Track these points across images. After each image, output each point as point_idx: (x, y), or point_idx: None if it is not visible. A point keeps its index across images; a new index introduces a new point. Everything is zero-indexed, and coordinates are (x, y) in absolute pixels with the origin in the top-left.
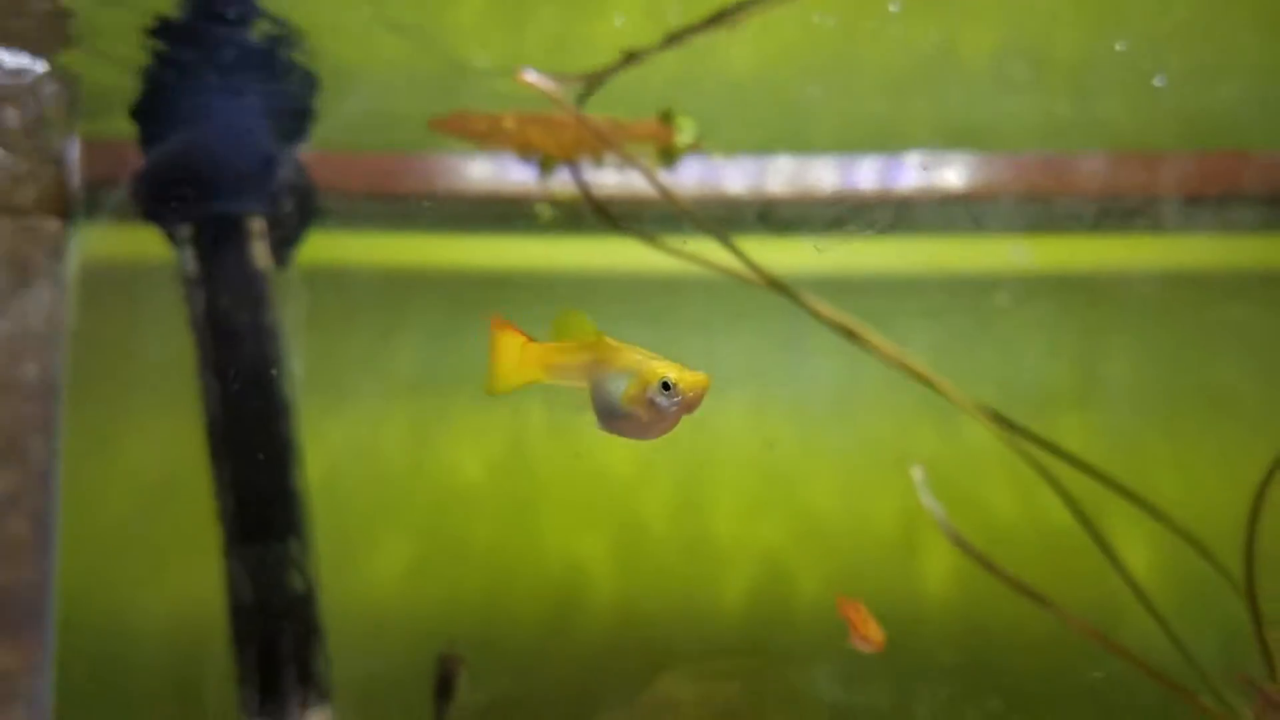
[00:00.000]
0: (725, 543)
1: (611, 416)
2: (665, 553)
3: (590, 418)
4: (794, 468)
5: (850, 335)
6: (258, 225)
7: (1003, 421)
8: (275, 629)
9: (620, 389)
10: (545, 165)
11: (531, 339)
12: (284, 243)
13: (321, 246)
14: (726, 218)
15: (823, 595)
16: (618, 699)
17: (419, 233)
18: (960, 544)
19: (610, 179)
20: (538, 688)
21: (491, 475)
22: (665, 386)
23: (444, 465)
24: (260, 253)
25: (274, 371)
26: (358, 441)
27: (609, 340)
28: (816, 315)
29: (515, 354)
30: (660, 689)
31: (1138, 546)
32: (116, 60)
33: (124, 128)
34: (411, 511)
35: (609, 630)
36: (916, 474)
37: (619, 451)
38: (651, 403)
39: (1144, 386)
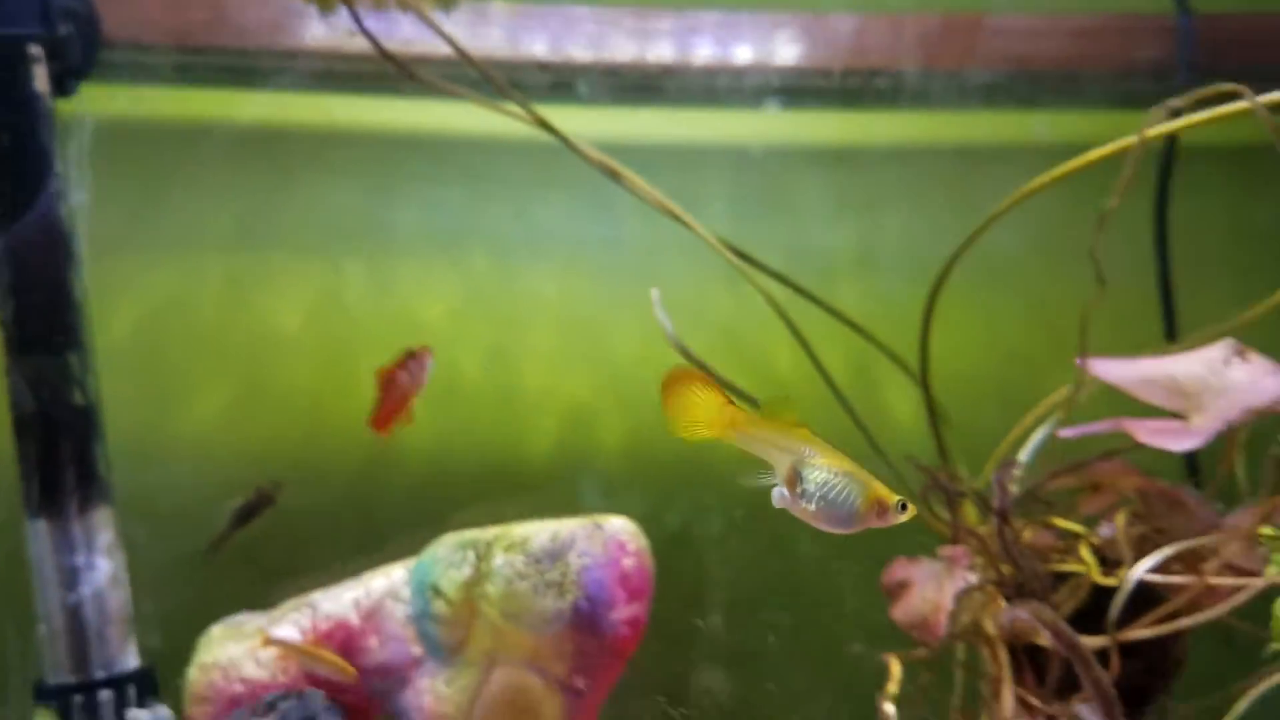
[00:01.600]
0: (533, 394)
1: (835, 518)
2: (477, 400)
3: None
4: (599, 325)
5: (612, 174)
6: (34, 49)
7: (755, 264)
8: (55, 436)
9: (835, 489)
10: (323, 6)
11: (730, 400)
12: (66, 74)
13: (128, 98)
14: (521, 78)
15: (623, 441)
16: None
17: (226, 87)
18: (690, 358)
19: (409, 32)
20: (345, 523)
21: (308, 325)
22: (902, 508)
23: (261, 316)
24: (39, 76)
25: (53, 189)
26: (175, 294)
27: (809, 433)
28: (577, 152)
29: (712, 411)
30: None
31: (903, 401)
32: None
33: None
34: (230, 359)
35: (420, 472)
36: (654, 294)
37: (434, 307)
38: (876, 514)
39: (917, 254)
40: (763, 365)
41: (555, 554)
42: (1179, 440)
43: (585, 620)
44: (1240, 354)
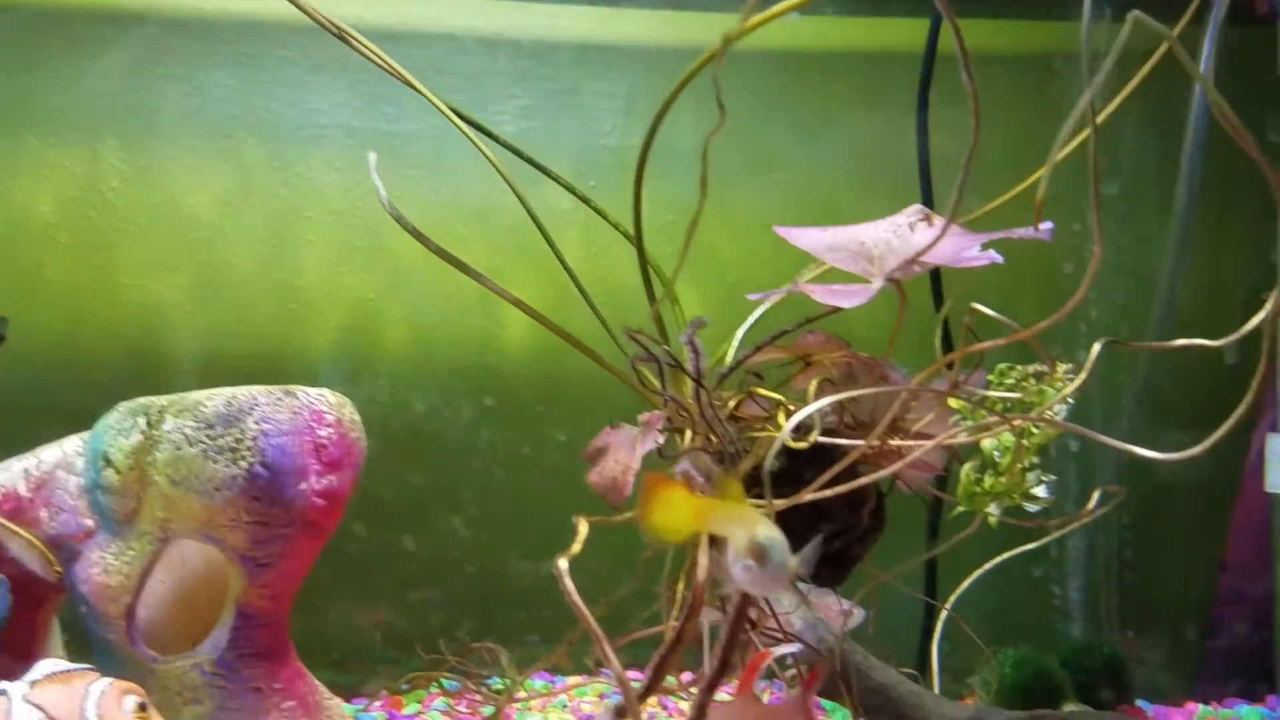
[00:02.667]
0: (313, 290)
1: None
2: (250, 296)
3: None
4: (383, 220)
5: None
6: None
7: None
8: None
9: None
10: None
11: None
12: None
13: None
14: None
15: (408, 340)
16: None
17: None
18: (408, 229)
19: None
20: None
21: (63, 215)
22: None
23: (12, 203)
24: None
25: None
26: None
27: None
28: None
29: (685, 511)
30: None
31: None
32: None
33: None
34: None
35: (188, 369)
36: (371, 157)
37: (201, 196)
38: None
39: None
40: (552, 266)
41: (230, 419)
42: (848, 298)
43: (265, 488)
44: (927, 219)
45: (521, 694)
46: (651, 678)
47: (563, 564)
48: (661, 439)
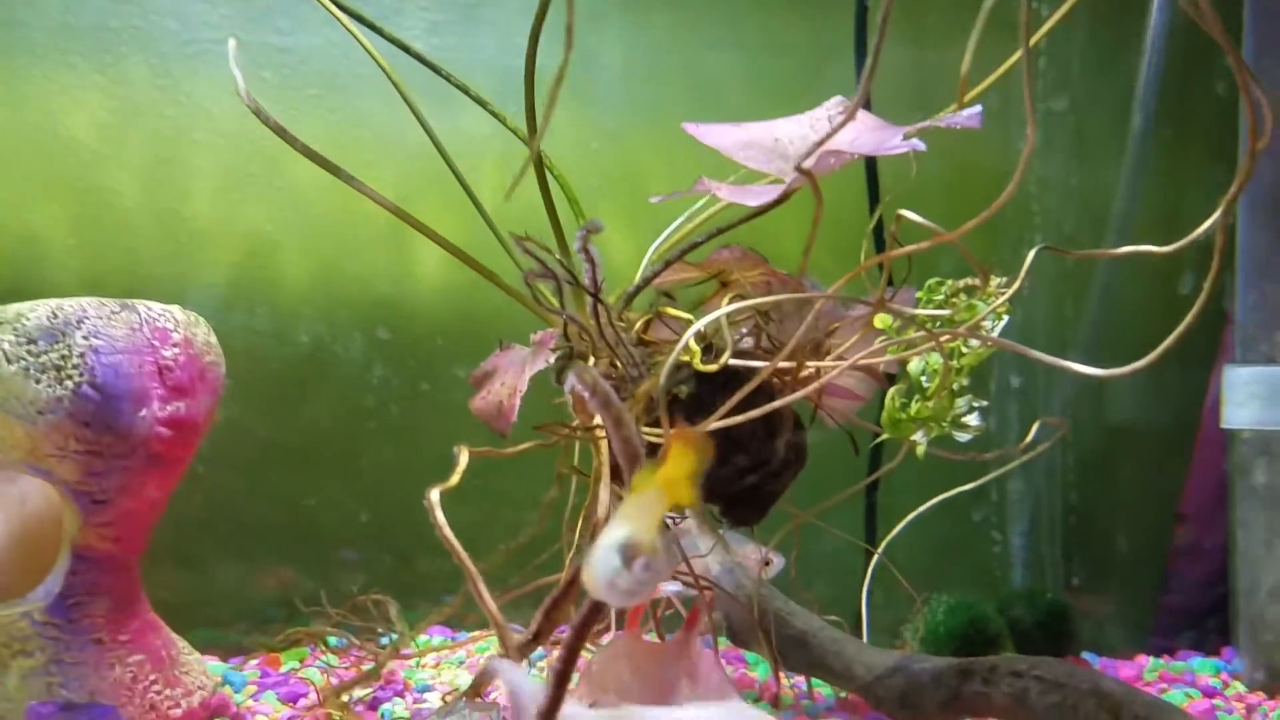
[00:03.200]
0: (203, 220)
1: None
2: (135, 227)
3: None
4: (279, 145)
5: None
6: None
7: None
8: None
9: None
10: None
11: None
12: None
13: None
14: None
15: (309, 276)
16: None
17: None
18: (295, 145)
19: None
20: None
21: None
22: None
23: None
24: None
25: None
26: None
27: None
28: None
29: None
30: None
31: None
32: None
33: None
34: None
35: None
36: (230, 44)
37: (78, 116)
38: None
39: (634, 77)
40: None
41: (54, 333)
42: (755, 196)
43: (96, 413)
44: (846, 111)
45: (413, 650)
46: (541, 622)
47: (434, 495)
48: (552, 360)
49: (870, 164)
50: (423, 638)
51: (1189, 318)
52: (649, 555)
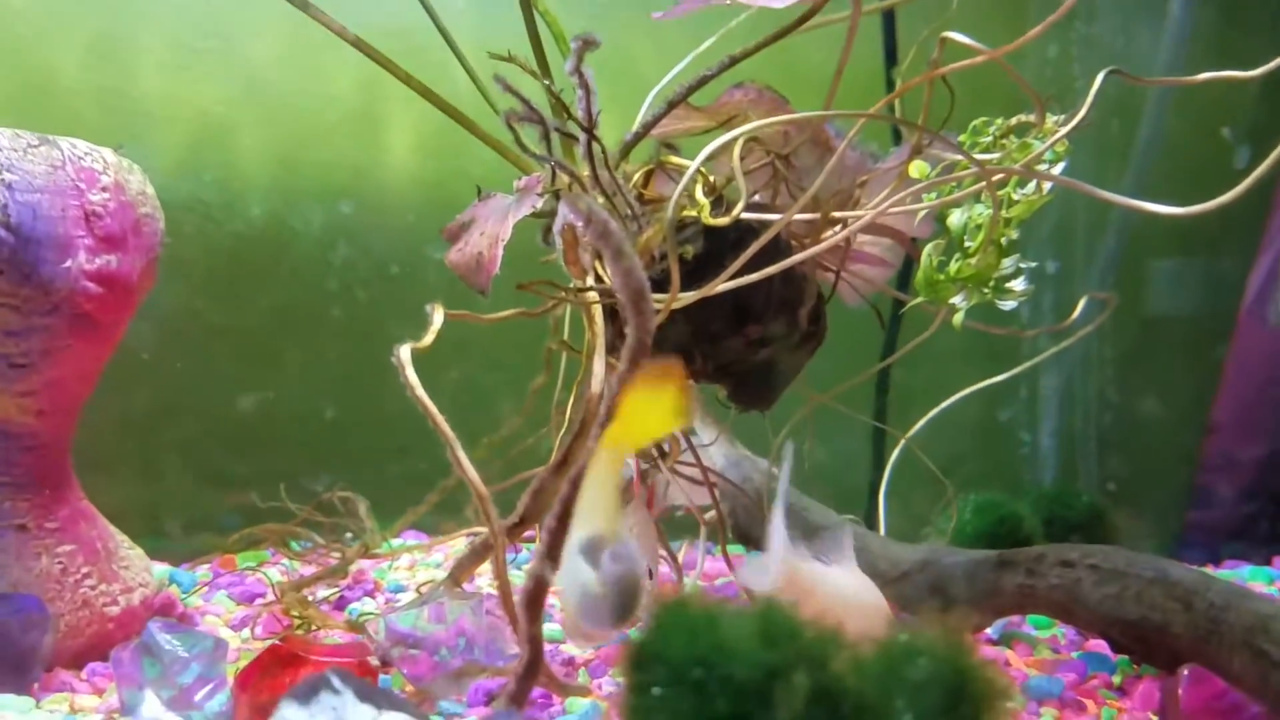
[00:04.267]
0: (151, 99)
1: None
2: (76, 106)
3: None
4: (232, 17)
5: None
6: None
7: None
8: None
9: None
10: None
11: None
12: None
13: None
14: None
15: (266, 163)
16: None
17: None
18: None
19: None
20: None
21: None
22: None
23: None
24: None
25: None
26: None
27: None
28: None
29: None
30: None
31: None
32: None
33: None
34: None
35: None
36: None
37: None
38: None
39: None
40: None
41: None
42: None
43: (11, 258)
44: None
45: (384, 552)
46: (529, 504)
47: (404, 353)
48: (540, 203)
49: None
50: (395, 541)
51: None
52: (614, 543)
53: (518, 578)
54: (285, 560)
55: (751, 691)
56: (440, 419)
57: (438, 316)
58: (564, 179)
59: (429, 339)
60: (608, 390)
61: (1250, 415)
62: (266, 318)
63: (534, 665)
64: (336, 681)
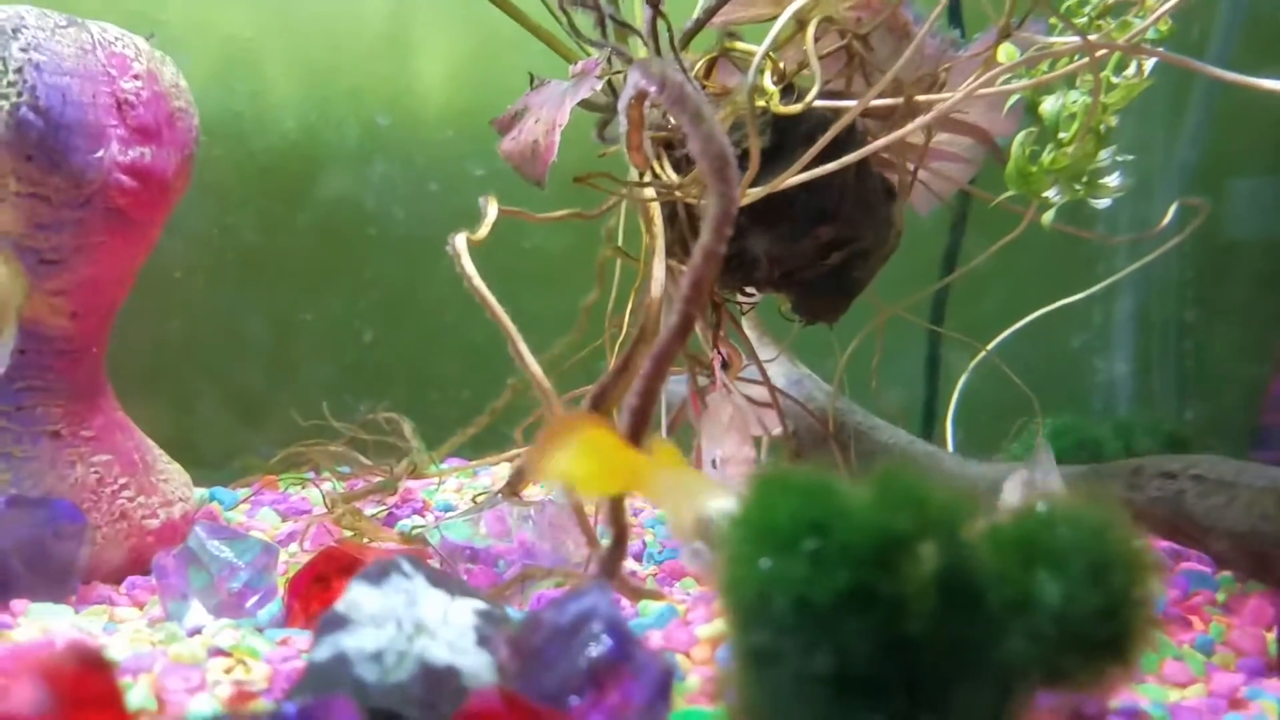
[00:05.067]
0: (176, 26)
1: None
2: None
3: None
4: None
5: None
6: None
7: None
8: None
9: None
10: None
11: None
12: None
13: None
14: None
15: (297, 89)
16: None
17: None
18: None
19: None
20: None
21: None
22: None
23: None
24: None
25: None
26: None
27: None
28: None
29: (608, 462)
30: None
31: None
32: None
33: None
34: None
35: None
36: None
37: None
38: None
39: None
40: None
41: None
42: None
43: (40, 143)
44: None
45: (431, 475)
46: (591, 406)
47: (459, 242)
48: (599, 87)
49: None
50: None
51: None
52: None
53: None
54: (330, 481)
55: (874, 562)
56: (499, 309)
57: (491, 209)
58: (622, 66)
59: (484, 231)
60: (683, 285)
61: None
62: (303, 238)
63: (621, 538)
64: (407, 566)
